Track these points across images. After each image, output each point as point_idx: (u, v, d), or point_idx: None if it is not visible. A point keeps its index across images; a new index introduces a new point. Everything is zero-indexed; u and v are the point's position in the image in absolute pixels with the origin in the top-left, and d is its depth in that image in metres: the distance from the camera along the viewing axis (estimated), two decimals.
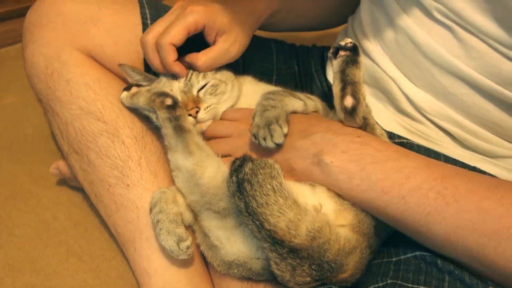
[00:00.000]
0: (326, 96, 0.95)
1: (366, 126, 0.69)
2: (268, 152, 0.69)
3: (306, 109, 0.76)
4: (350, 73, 0.68)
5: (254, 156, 0.68)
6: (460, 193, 0.56)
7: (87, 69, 0.83)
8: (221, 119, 0.80)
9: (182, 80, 0.78)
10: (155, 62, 0.78)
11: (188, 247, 0.70)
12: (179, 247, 0.69)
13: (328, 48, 1.04)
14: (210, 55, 0.78)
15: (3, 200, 1.00)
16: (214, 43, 0.79)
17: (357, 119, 0.68)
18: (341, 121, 0.71)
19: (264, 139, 0.67)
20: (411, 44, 0.75)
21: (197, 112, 0.76)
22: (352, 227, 0.64)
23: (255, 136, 0.68)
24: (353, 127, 0.69)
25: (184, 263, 0.76)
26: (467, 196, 0.56)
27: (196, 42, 0.79)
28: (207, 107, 0.77)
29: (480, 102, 0.70)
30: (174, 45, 0.75)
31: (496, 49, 0.66)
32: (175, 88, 0.78)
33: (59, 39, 0.84)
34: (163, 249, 0.74)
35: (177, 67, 0.77)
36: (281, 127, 0.67)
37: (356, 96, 0.68)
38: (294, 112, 0.74)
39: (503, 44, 0.65)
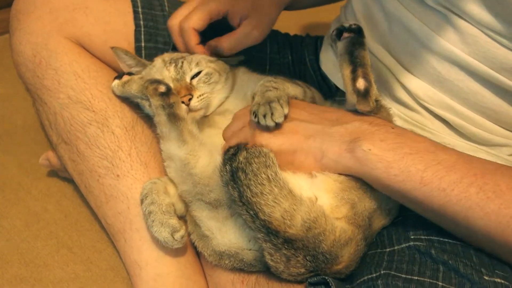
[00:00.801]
0: (320, 85, 0.94)
1: (380, 108, 0.67)
2: (269, 129, 0.65)
3: (305, 97, 0.75)
4: (359, 55, 0.66)
5: (271, 141, 0.65)
6: (501, 190, 0.55)
7: (76, 58, 0.82)
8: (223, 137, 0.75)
9: (173, 69, 0.76)
10: (180, 46, 0.82)
11: (182, 237, 0.69)
12: (173, 238, 0.69)
13: (321, 37, 1.03)
14: (234, 38, 0.81)
15: None
16: (238, 26, 0.82)
17: (370, 102, 0.65)
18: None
19: (265, 116, 0.64)
20: (405, 31, 0.74)
21: (189, 99, 0.74)
22: (347, 219, 0.63)
23: (255, 113, 0.64)
24: (366, 110, 0.66)
25: (176, 254, 0.75)
26: (508, 193, 0.54)
27: (222, 26, 0.81)
28: (200, 95, 0.76)
29: (476, 88, 0.69)
30: (197, 30, 0.78)
31: (490, 36, 0.65)
32: (166, 76, 0.77)
33: (47, 27, 0.82)
34: (154, 240, 0.74)
35: (200, 50, 0.80)
36: (282, 107, 0.65)
37: (367, 78, 0.65)
38: (295, 98, 0.73)
39: (497, 32, 0.64)
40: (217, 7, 0.79)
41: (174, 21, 0.81)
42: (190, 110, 0.75)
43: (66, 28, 0.82)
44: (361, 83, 0.65)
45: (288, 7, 0.94)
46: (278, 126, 0.65)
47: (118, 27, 0.86)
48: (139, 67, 0.81)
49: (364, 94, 0.65)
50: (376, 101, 0.67)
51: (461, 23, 0.67)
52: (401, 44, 0.75)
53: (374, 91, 0.67)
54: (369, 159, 0.60)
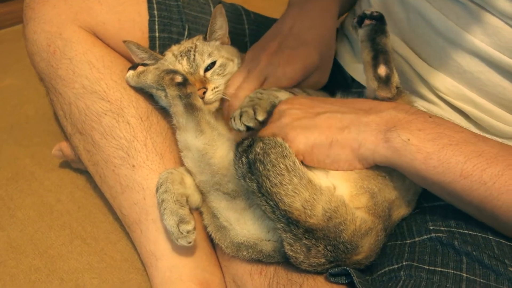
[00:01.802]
0: (335, 77, 0.93)
1: (400, 94, 0.66)
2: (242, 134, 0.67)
3: None
4: (381, 41, 0.66)
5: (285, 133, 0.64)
6: None
7: (90, 47, 0.81)
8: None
9: (185, 62, 0.75)
10: None
11: (188, 232, 0.67)
12: (178, 229, 0.67)
13: (337, 31, 1.01)
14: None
15: (5, 183, 0.99)
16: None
17: (391, 88, 0.65)
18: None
19: (233, 118, 0.67)
20: (423, 22, 0.73)
21: (204, 93, 0.74)
22: (367, 209, 0.62)
23: (231, 119, 0.68)
24: (386, 97, 0.65)
25: (192, 246, 0.74)
26: None
27: None
28: (214, 88, 0.75)
29: (496, 79, 0.68)
30: None
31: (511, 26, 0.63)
32: (179, 70, 0.76)
33: (61, 16, 0.81)
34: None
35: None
36: (254, 111, 0.66)
37: (389, 65, 0.65)
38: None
39: None
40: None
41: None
42: (205, 103, 0.74)
43: (81, 17, 0.82)
44: (382, 70, 0.65)
45: None
46: (249, 129, 0.66)
47: (132, 16, 0.85)
48: (152, 60, 0.81)
49: (385, 81, 0.65)
50: (397, 87, 0.66)
51: (483, 13, 0.66)
52: (420, 36, 0.74)
53: (395, 78, 0.66)
54: (407, 149, 0.58)
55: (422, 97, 0.77)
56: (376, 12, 0.67)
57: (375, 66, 0.65)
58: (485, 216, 0.58)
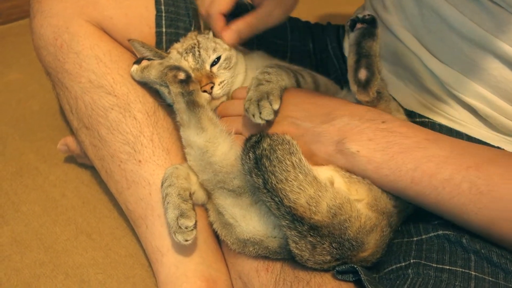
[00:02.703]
0: (343, 73, 0.93)
1: (380, 100, 0.67)
2: (261, 126, 0.67)
3: (301, 87, 0.75)
4: (366, 45, 0.66)
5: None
6: (494, 182, 0.54)
7: (97, 41, 0.81)
8: (232, 98, 0.78)
9: (191, 58, 0.75)
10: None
11: (187, 227, 0.65)
12: (177, 223, 0.66)
13: (343, 26, 1.01)
14: (255, 17, 0.76)
15: (9, 177, 0.99)
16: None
17: (370, 92, 0.65)
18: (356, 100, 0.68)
19: (254, 115, 0.66)
20: (437, 17, 0.72)
21: (211, 88, 0.73)
22: (369, 205, 0.62)
23: (246, 111, 0.67)
24: (364, 100, 0.66)
25: (197, 242, 0.74)
26: (501, 185, 0.53)
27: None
28: (221, 82, 0.75)
29: (510, 76, 0.67)
30: (223, 13, 0.75)
31: None
32: (185, 67, 0.75)
33: (68, 10, 0.81)
34: None
35: (226, 35, 0.76)
36: (271, 104, 0.66)
37: (370, 69, 0.65)
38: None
39: None
40: None
41: (203, 9, 0.78)
42: (213, 98, 0.74)
43: (88, 11, 0.81)
44: (362, 74, 0.65)
45: None
46: (269, 122, 0.66)
47: (140, 11, 0.85)
48: (157, 58, 0.80)
49: (364, 85, 0.65)
50: (378, 92, 0.66)
51: (496, 9, 0.65)
52: (432, 31, 0.74)
53: (377, 81, 0.66)
54: (358, 160, 0.61)
55: (431, 93, 0.77)
56: (369, 15, 0.67)
57: (356, 70, 0.66)
58: (447, 217, 0.60)
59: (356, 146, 0.61)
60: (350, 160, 0.62)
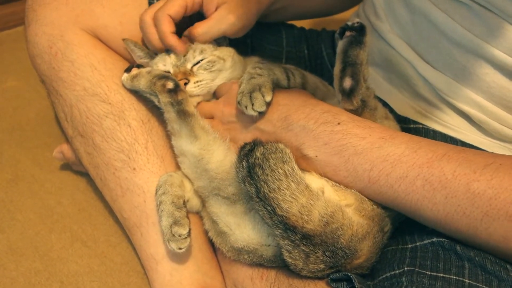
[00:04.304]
0: None
1: (364, 108, 0.67)
2: (253, 119, 0.68)
3: (290, 83, 0.75)
4: (352, 54, 0.66)
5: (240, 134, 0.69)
6: (447, 179, 0.55)
7: (92, 50, 0.81)
8: (216, 93, 0.78)
9: (173, 54, 0.75)
10: (153, 37, 0.76)
11: (181, 235, 0.66)
12: (171, 231, 0.66)
13: None
14: (207, 23, 0.75)
15: (5, 185, 0.98)
16: None
17: (354, 101, 0.66)
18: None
19: (246, 107, 0.66)
20: (429, 24, 0.73)
21: (185, 84, 0.73)
22: (358, 210, 0.62)
23: (239, 103, 0.67)
24: (349, 109, 0.66)
25: (192, 249, 0.74)
26: (454, 181, 0.54)
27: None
28: (197, 81, 0.74)
29: (502, 82, 0.67)
30: (172, 18, 0.73)
31: None
32: (168, 63, 0.76)
33: (63, 18, 0.81)
34: None
35: (173, 39, 0.74)
36: (263, 95, 0.66)
37: (355, 77, 0.65)
38: (278, 84, 0.72)
39: None
40: None
41: (148, 15, 0.75)
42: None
43: (83, 19, 0.81)
44: (347, 82, 0.66)
45: (272, 14, 0.90)
46: (261, 113, 0.67)
47: (135, 19, 0.84)
48: (148, 59, 0.80)
49: (348, 94, 0.66)
50: (363, 101, 0.66)
51: (488, 14, 0.65)
52: (424, 38, 0.74)
53: (361, 90, 0.66)
54: (317, 164, 0.63)
55: (425, 99, 0.77)
56: (358, 22, 0.67)
57: (341, 78, 0.66)
58: (407, 215, 0.61)
59: (313, 151, 0.63)
60: (310, 164, 0.64)
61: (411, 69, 0.77)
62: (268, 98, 0.67)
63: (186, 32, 0.77)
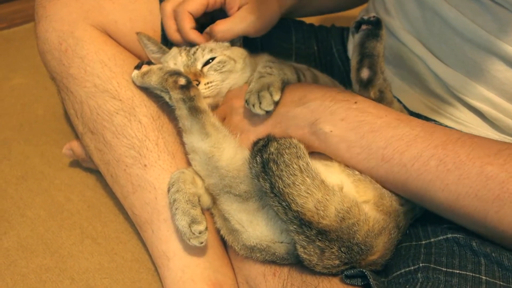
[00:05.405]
0: (348, 76, 0.92)
1: (382, 100, 0.67)
2: (261, 120, 0.69)
3: (301, 81, 0.75)
4: (369, 45, 0.66)
5: (248, 125, 0.70)
6: (461, 160, 0.55)
7: (102, 46, 0.80)
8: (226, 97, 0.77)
9: (185, 54, 0.76)
10: (170, 29, 0.78)
11: (200, 232, 0.66)
12: (190, 230, 0.66)
13: (347, 28, 1.01)
14: (229, 21, 0.77)
15: (14, 182, 0.98)
16: None
17: (371, 92, 0.66)
18: None
19: (254, 105, 0.66)
20: (440, 20, 0.72)
21: (196, 85, 0.73)
22: (376, 205, 0.62)
23: (247, 102, 0.67)
24: None
25: (204, 246, 0.73)
26: (468, 163, 0.55)
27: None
28: (208, 83, 0.74)
29: None
30: (192, 15, 0.75)
31: None
32: (179, 62, 0.76)
33: (73, 14, 0.81)
34: None
35: (193, 34, 0.76)
36: (271, 94, 0.66)
37: (373, 68, 0.66)
38: (289, 82, 0.73)
39: None
40: None
41: (168, 5, 0.78)
42: None
43: (92, 15, 0.81)
44: (364, 73, 0.66)
45: (290, 13, 0.92)
46: (268, 113, 0.67)
47: (144, 14, 0.85)
48: (160, 54, 0.81)
49: (366, 84, 0.66)
50: (380, 92, 0.67)
51: (499, 10, 0.65)
52: (436, 35, 0.73)
53: (379, 81, 0.66)
54: (331, 140, 0.62)
55: (437, 96, 0.76)
56: (374, 16, 0.67)
57: (358, 69, 0.66)
58: (413, 198, 0.61)
59: (329, 126, 0.62)
60: (323, 140, 0.63)
61: (423, 65, 0.76)
62: (276, 98, 0.67)
63: (207, 29, 0.78)
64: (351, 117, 0.62)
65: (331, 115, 0.63)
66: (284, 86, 0.70)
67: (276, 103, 0.67)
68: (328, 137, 0.62)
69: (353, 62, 0.68)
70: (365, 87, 0.66)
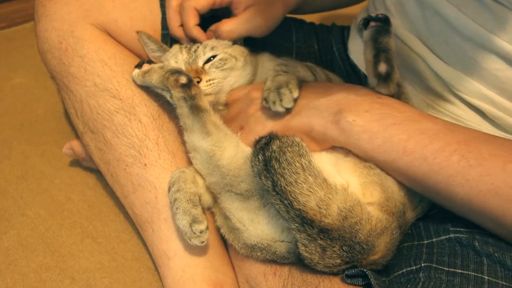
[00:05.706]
0: (348, 75, 0.92)
1: (400, 94, 0.67)
2: (280, 115, 0.68)
3: (315, 80, 0.75)
4: (383, 41, 0.66)
5: (266, 124, 0.69)
6: (483, 157, 0.55)
7: (102, 45, 0.80)
8: (230, 96, 0.78)
9: (186, 51, 0.76)
10: (174, 24, 0.79)
11: (201, 231, 0.66)
12: (191, 229, 0.66)
13: (348, 27, 1.01)
14: (234, 21, 0.77)
15: (15, 181, 0.98)
16: None
17: (391, 86, 0.66)
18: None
19: (274, 102, 0.66)
20: (439, 19, 0.72)
21: (198, 82, 0.73)
22: (380, 206, 0.61)
23: (266, 100, 0.68)
24: (385, 94, 0.66)
25: (204, 245, 0.73)
26: (490, 160, 0.55)
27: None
28: (209, 80, 0.74)
29: None
30: (198, 11, 0.75)
31: None
32: (180, 60, 0.76)
33: (73, 13, 0.81)
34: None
35: (196, 31, 0.76)
36: (290, 91, 0.67)
37: (390, 63, 0.66)
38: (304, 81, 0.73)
39: None
40: None
41: (174, 2, 0.78)
42: None
43: (92, 14, 0.81)
44: (382, 67, 0.66)
45: (294, 11, 0.92)
46: (288, 110, 0.67)
47: (144, 13, 0.84)
48: (161, 52, 0.81)
49: (385, 78, 0.66)
50: (399, 85, 0.67)
51: (499, 8, 0.64)
52: (436, 34, 0.73)
53: (396, 75, 0.67)
54: (353, 130, 0.62)
55: (438, 94, 0.76)
56: (382, 14, 0.68)
57: (375, 64, 0.66)
58: (429, 192, 0.60)
59: (352, 116, 0.62)
60: (345, 129, 0.62)
61: (423, 64, 0.76)
62: (295, 94, 0.67)
63: (213, 27, 0.78)
64: (375, 109, 0.62)
65: (355, 106, 0.63)
66: (299, 84, 0.71)
67: (295, 100, 0.68)
68: (351, 126, 0.62)
69: (368, 56, 0.68)
70: (385, 80, 0.66)
